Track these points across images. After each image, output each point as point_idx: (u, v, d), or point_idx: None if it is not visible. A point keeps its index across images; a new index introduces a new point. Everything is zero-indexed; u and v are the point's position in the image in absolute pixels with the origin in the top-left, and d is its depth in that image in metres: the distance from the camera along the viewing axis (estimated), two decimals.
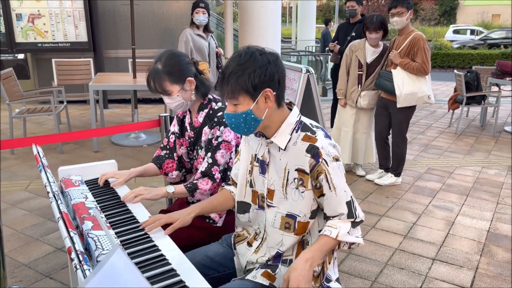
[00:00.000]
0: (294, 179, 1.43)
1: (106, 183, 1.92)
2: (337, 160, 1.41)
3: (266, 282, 1.46)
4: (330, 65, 6.02)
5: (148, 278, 1.23)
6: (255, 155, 1.54)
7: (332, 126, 4.91)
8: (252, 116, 1.38)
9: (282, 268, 1.49)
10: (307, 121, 1.48)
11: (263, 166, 1.50)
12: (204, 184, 1.84)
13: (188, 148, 2.03)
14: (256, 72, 1.33)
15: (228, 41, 5.65)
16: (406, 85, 3.67)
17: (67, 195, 1.75)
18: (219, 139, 1.84)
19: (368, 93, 3.98)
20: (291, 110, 1.47)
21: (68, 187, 1.81)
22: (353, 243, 1.45)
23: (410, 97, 3.69)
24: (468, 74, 6.25)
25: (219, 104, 1.91)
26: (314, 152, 1.38)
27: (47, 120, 6.13)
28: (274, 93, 1.38)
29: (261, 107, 1.38)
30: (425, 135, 5.91)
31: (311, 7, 12.81)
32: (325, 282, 1.50)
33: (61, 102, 5.43)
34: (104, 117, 5.90)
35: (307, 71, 3.34)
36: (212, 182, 1.84)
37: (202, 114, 1.91)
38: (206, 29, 4.77)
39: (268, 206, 1.50)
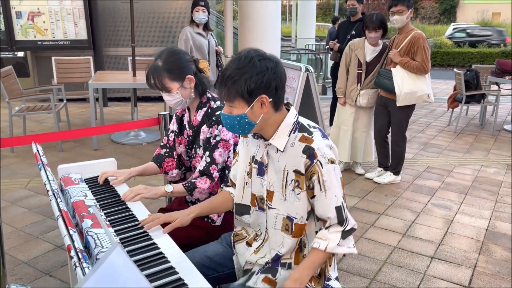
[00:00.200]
0: (292, 180, 1.43)
1: (106, 181, 1.92)
2: (332, 162, 1.40)
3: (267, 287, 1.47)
4: (330, 63, 6.02)
5: (147, 276, 1.23)
6: (253, 156, 1.54)
7: (331, 124, 4.91)
8: (246, 120, 1.39)
9: (282, 272, 1.49)
10: (304, 121, 1.48)
11: (261, 168, 1.50)
12: (203, 183, 1.84)
13: (187, 147, 2.03)
14: (253, 79, 1.33)
15: (227, 39, 5.64)
16: (406, 84, 3.67)
17: (66, 193, 1.76)
18: (217, 138, 1.84)
19: (367, 92, 3.99)
20: (288, 110, 1.47)
21: (68, 185, 1.82)
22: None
23: (409, 96, 3.69)
24: (468, 72, 6.25)
25: (218, 102, 1.91)
26: (309, 152, 1.38)
27: (47, 118, 6.13)
28: (270, 99, 1.38)
29: (256, 112, 1.39)
30: (425, 134, 5.91)
31: (311, 5, 12.81)
32: (325, 281, 1.51)
33: (61, 100, 5.44)
34: (104, 115, 5.91)
35: (307, 69, 3.34)
36: (211, 181, 1.84)
37: (201, 112, 1.92)
38: (206, 27, 4.77)
39: (269, 207, 1.50)
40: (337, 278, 1.57)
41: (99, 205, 1.69)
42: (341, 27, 5.18)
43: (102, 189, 1.86)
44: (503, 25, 24.26)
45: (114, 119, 6.27)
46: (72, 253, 1.18)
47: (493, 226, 3.26)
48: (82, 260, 1.14)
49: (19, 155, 4.62)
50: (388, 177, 4.07)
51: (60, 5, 6.53)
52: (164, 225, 1.53)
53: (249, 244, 1.58)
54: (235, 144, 1.87)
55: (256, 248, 1.55)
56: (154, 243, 1.42)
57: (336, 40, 5.06)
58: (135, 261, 1.31)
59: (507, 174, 4.39)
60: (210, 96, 1.94)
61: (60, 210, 1.42)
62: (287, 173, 1.44)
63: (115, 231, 1.49)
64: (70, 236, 1.26)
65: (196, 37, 4.65)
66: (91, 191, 1.81)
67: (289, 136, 1.43)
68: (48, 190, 1.60)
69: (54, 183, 1.65)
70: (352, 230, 1.45)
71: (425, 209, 3.54)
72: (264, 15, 4.16)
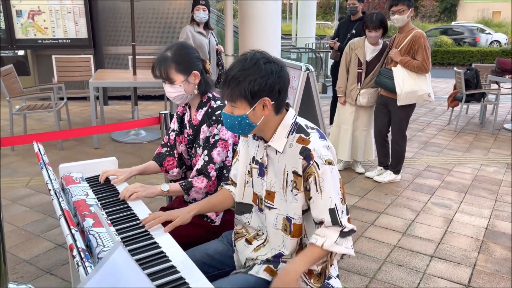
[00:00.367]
0: (291, 181, 1.44)
1: (107, 180, 1.93)
2: (329, 163, 1.39)
3: (268, 277, 1.47)
4: (331, 61, 6.01)
5: (149, 275, 1.24)
6: (254, 157, 1.55)
7: (331, 123, 4.92)
8: (247, 121, 1.40)
9: (283, 265, 1.50)
10: (302, 122, 1.48)
11: (262, 169, 1.51)
12: (199, 182, 1.84)
13: (187, 146, 2.04)
14: (257, 81, 1.34)
15: (228, 38, 5.65)
16: (406, 83, 3.68)
17: (68, 192, 1.76)
18: (216, 137, 1.84)
19: (367, 91, 3.99)
20: (287, 111, 1.48)
21: (69, 184, 1.82)
22: (344, 254, 1.42)
23: (410, 95, 3.70)
24: (468, 71, 6.25)
25: (218, 102, 1.92)
26: (306, 154, 1.39)
27: (47, 117, 6.13)
28: (273, 102, 1.39)
29: (258, 114, 1.40)
30: (425, 133, 5.92)
31: (311, 4, 12.81)
32: (325, 280, 1.52)
33: (61, 98, 5.44)
34: (104, 114, 5.91)
35: (307, 69, 3.34)
36: (208, 180, 1.84)
37: (201, 112, 1.92)
38: (207, 26, 4.77)
39: (269, 208, 1.51)
40: (337, 276, 1.58)
41: (100, 204, 1.70)
42: (341, 26, 5.18)
43: (103, 188, 1.86)
44: (503, 24, 24.27)
45: (115, 117, 6.28)
46: (75, 252, 1.19)
47: (493, 225, 3.27)
48: (84, 259, 1.15)
49: (20, 153, 4.63)
50: (388, 176, 4.08)
51: (60, 3, 6.53)
52: (165, 223, 1.54)
53: (248, 242, 1.59)
54: (234, 144, 1.88)
55: (257, 247, 1.56)
56: (155, 242, 1.43)
57: (336, 39, 5.06)
58: (136, 260, 1.32)
59: (507, 173, 4.39)
60: (211, 96, 1.95)
61: (62, 210, 1.43)
62: (287, 174, 1.44)
63: (116, 230, 1.50)
64: (72, 236, 1.27)
65: (197, 36, 4.65)
66: (92, 190, 1.81)
67: (287, 137, 1.44)
68: (50, 190, 1.60)
69: (55, 182, 1.65)
70: (352, 231, 1.43)
71: (425, 208, 3.55)
72: (265, 14, 4.16)
